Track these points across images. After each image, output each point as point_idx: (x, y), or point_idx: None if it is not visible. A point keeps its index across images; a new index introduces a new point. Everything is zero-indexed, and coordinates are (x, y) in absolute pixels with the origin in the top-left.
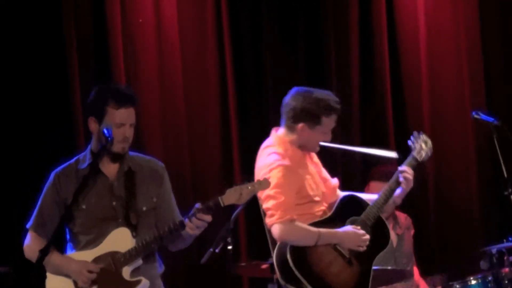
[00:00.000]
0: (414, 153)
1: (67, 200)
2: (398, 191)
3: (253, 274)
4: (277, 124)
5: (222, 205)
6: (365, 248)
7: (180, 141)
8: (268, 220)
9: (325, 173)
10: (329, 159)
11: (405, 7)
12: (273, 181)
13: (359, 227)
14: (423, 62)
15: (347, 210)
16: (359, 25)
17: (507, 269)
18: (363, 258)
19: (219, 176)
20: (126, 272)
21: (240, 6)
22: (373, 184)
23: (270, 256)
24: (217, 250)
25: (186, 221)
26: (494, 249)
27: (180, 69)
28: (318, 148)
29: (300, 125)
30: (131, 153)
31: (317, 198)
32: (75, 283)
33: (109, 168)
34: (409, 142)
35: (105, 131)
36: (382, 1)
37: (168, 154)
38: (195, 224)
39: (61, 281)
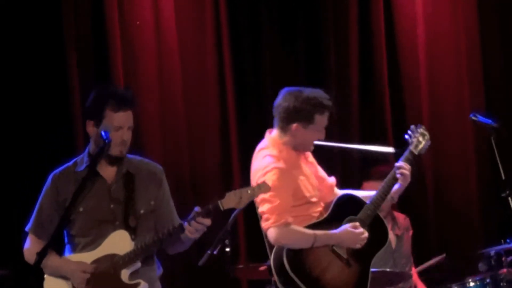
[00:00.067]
0: (411, 147)
1: (65, 202)
2: (395, 187)
3: (252, 276)
4: None
5: (221, 209)
6: (362, 245)
7: (179, 142)
8: (263, 224)
9: (321, 172)
10: (327, 158)
11: (404, 8)
12: (268, 184)
13: (357, 223)
14: (422, 63)
15: (344, 210)
16: (358, 26)
17: (505, 270)
18: (362, 258)
19: (218, 178)
20: (124, 274)
21: (239, 6)
22: (369, 184)
23: (268, 258)
24: (215, 252)
25: (186, 224)
26: (492, 251)
27: (179, 70)
28: (312, 148)
29: (294, 125)
30: (130, 156)
31: (313, 199)
32: (73, 284)
33: (107, 171)
34: (406, 136)
35: (103, 133)
36: (381, 2)
37: (167, 155)
38: (195, 228)
39: (58, 282)
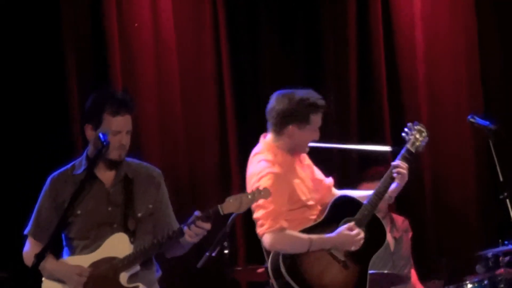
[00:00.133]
0: (408, 145)
1: (64, 205)
2: (393, 186)
3: (250, 278)
4: None
5: (221, 213)
6: (359, 247)
7: (177, 144)
8: (258, 230)
9: (318, 173)
10: (325, 159)
11: (402, 9)
12: (258, 201)
13: (353, 223)
14: (420, 64)
15: (340, 211)
16: (356, 26)
17: (502, 270)
18: (360, 259)
19: (217, 180)
20: (123, 278)
21: (237, 7)
22: (366, 186)
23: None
24: (213, 254)
25: (185, 228)
26: (490, 253)
27: (177, 71)
28: (308, 149)
29: (290, 127)
30: (128, 159)
31: (310, 203)
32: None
33: (106, 175)
34: (403, 134)
35: (101, 136)
36: (379, 3)
37: (165, 157)
38: (194, 232)
39: (56, 285)
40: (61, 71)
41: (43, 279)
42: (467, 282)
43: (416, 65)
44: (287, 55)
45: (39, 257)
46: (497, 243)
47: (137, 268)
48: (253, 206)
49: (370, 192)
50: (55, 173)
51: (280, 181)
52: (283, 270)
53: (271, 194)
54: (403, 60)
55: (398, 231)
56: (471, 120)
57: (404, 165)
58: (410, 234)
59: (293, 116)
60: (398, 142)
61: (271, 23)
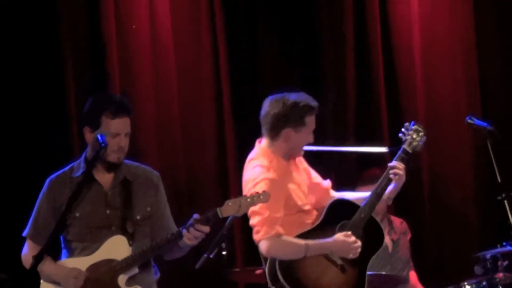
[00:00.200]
0: (405, 146)
1: (62, 207)
2: (390, 187)
3: (248, 279)
4: None
5: (220, 216)
6: (356, 255)
7: (175, 146)
8: (254, 236)
9: (315, 177)
10: (323, 161)
11: (400, 10)
12: (256, 204)
13: (349, 233)
14: (418, 65)
15: (337, 215)
16: (354, 26)
17: (501, 274)
18: (357, 262)
19: (215, 182)
20: (122, 280)
21: (234, 9)
22: (363, 189)
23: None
24: (212, 256)
25: (184, 231)
26: (488, 255)
27: (175, 73)
28: (302, 152)
29: (285, 130)
30: (126, 162)
31: (306, 207)
32: None
33: (104, 177)
34: (400, 134)
35: (99, 137)
36: (376, 4)
37: (163, 160)
38: (193, 235)
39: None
40: (58, 72)
41: (41, 281)
42: (466, 283)
43: (414, 65)
44: (285, 56)
45: (37, 259)
46: (495, 245)
47: (135, 270)
48: (249, 212)
49: (367, 194)
50: (54, 175)
51: (276, 187)
52: (279, 275)
53: (270, 197)
54: (401, 61)
55: (396, 233)
56: (469, 121)
57: (401, 166)
58: (408, 236)
59: (289, 119)
60: (396, 143)
61: (269, 24)
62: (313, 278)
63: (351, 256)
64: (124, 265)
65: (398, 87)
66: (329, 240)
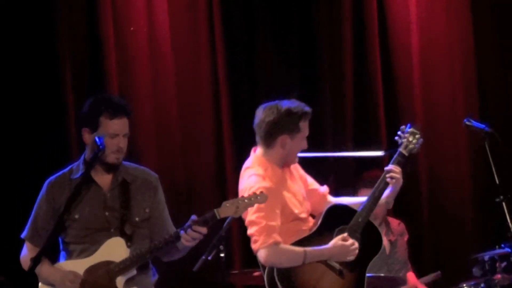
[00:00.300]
0: (401, 149)
1: (61, 209)
2: (387, 191)
3: (246, 281)
4: None
5: (218, 217)
6: (354, 257)
7: (173, 148)
8: (253, 246)
9: (312, 183)
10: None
11: (398, 12)
12: (254, 205)
13: (346, 235)
14: (416, 67)
15: (334, 220)
16: (352, 29)
17: (499, 276)
18: (356, 267)
19: (213, 183)
20: (120, 282)
21: (233, 10)
22: (364, 191)
23: None
24: (209, 258)
25: (182, 233)
26: (486, 256)
27: (173, 75)
28: (297, 159)
29: (281, 137)
30: (125, 163)
31: (302, 215)
32: None
33: (103, 178)
34: (396, 138)
35: (97, 139)
36: (374, 6)
37: (161, 161)
38: (191, 236)
39: None
40: (57, 73)
41: (39, 284)
42: (464, 285)
43: (412, 67)
44: (283, 57)
45: (35, 261)
46: (494, 246)
47: (133, 272)
48: (246, 222)
49: (364, 199)
50: (53, 177)
51: (272, 195)
52: (278, 282)
53: (266, 203)
54: (399, 62)
55: (393, 235)
56: (467, 123)
57: (397, 169)
58: (406, 237)
59: (283, 126)
60: (394, 145)
61: (267, 25)
62: (312, 284)
63: (349, 259)
64: (122, 267)
65: (396, 88)
66: (327, 246)
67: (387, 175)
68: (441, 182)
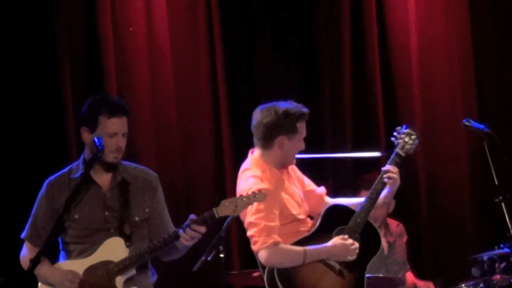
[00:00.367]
0: (397, 149)
1: (60, 210)
2: (385, 191)
3: (245, 282)
4: None
5: (216, 216)
6: (355, 257)
7: (172, 148)
8: (253, 247)
9: (309, 184)
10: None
11: (396, 13)
12: (252, 207)
13: (346, 236)
14: (414, 68)
15: (333, 221)
16: (351, 30)
17: (498, 276)
18: (355, 267)
19: (212, 184)
20: (119, 282)
21: (231, 12)
22: (365, 193)
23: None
24: (209, 258)
25: (181, 232)
26: (485, 257)
27: (171, 77)
28: (295, 161)
29: (279, 138)
30: (125, 163)
31: (301, 216)
32: None
33: (102, 178)
34: (392, 139)
35: (96, 140)
36: (373, 7)
37: (160, 162)
38: (190, 235)
39: None
40: (56, 74)
41: (39, 284)
42: (463, 285)
43: (411, 68)
44: (281, 60)
45: (34, 262)
46: (493, 246)
47: (132, 272)
48: (246, 224)
49: (362, 199)
50: (52, 177)
51: (270, 197)
52: (278, 282)
53: (266, 197)
54: (397, 63)
55: (392, 236)
56: (466, 123)
57: (394, 169)
58: (405, 238)
59: (281, 127)
60: (392, 146)
61: (266, 26)
62: (312, 284)
63: (349, 258)
64: (121, 266)
65: (395, 88)
66: (327, 245)
67: (385, 176)
68: (440, 182)
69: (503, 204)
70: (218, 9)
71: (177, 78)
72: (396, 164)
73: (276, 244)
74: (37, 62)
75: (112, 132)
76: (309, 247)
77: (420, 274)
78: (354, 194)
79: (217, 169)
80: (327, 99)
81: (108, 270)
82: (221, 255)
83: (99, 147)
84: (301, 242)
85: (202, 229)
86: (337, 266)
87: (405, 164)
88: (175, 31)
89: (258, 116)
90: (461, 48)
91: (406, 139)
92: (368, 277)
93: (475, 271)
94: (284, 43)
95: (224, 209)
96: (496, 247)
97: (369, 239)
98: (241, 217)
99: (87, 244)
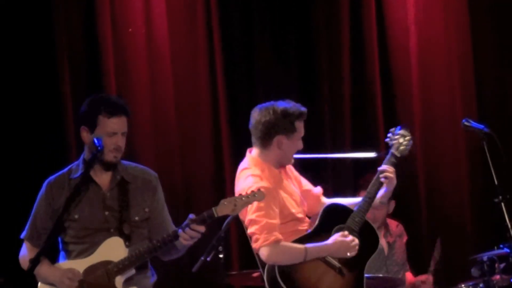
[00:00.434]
0: (393, 150)
1: (60, 210)
2: (382, 191)
3: (245, 282)
4: None
5: (216, 215)
6: (354, 253)
7: (171, 149)
8: (254, 245)
9: (306, 184)
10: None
11: (396, 14)
12: (253, 205)
13: (346, 233)
14: (414, 69)
15: (331, 219)
16: (350, 31)
17: (498, 277)
18: (354, 265)
19: (211, 184)
20: (119, 282)
21: (230, 13)
22: (363, 193)
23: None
24: (208, 259)
25: (180, 231)
26: (485, 257)
27: (171, 77)
28: (293, 160)
29: (277, 137)
30: (124, 163)
31: (299, 215)
32: None
33: (102, 178)
34: (386, 140)
35: (95, 141)
36: (373, 8)
37: (159, 162)
38: (189, 235)
39: None
40: (55, 75)
41: (38, 284)
42: (463, 285)
43: (410, 68)
44: (280, 61)
45: (34, 262)
46: (492, 247)
47: (132, 272)
48: (246, 222)
49: (359, 199)
50: (52, 177)
51: (270, 195)
52: (280, 280)
53: (265, 196)
54: (397, 64)
55: (392, 236)
56: (466, 123)
57: (391, 169)
58: (404, 239)
59: (280, 126)
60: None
61: (265, 26)
62: (313, 282)
63: (349, 254)
64: (121, 266)
65: (394, 89)
66: (327, 242)
67: (381, 175)
68: (439, 182)
69: (502, 204)
70: (217, 9)
71: (177, 78)
72: (392, 164)
73: (277, 241)
74: (37, 62)
75: (112, 131)
76: (310, 245)
77: (420, 275)
78: (354, 194)
79: (216, 169)
80: (326, 99)
81: (107, 270)
82: (221, 256)
83: (99, 147)
84: (300, 241)
85: (201, 228)
86: (337, 265)
87: (405, 164)
88: (175, 31)
89: (257, 115)
90: (460, 48)
91: (401, 140)
92: (368, 277)
93: (475, 271)
94: (283, 43)
95: (223, 208)
96: (495, 247)
97: (367, 238)
98: (241, 216)
99: (87, 244)
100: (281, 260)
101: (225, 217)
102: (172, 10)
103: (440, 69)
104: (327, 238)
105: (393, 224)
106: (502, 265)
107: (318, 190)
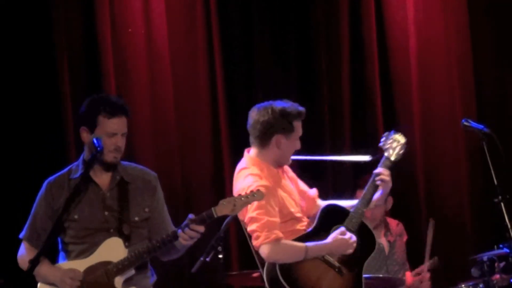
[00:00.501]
0: (387, 154)
1: (59, 210)
2: (377, 194)
3: (244, 283)
4: None
5: (215, 215)
6: (351, 251)
7: (171, 150)
8: (254, 242)
9: (302, 185)
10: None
11: (395, 15)
12: (253, 203)
13: (344, 229)
14: (413, 69)
15: (329, 220)
16: (349, 32)
17: (497, 276)
18: (353, 265)
19: (211, 184)
20: (118, 282)
21: (230, 11)
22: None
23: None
24: (208, 259)
25: (179, 232)
26: (485, 257)
27: (170, 78)
28: (291, 161)
29: (275, 137)
30: (124, 163)
31: (298, 215)
32: None
33: (102, 178)
34: (380, 144)
35: (95, 141)
36: (372, 9)
37: (159, 163)
38: (189, 235)
39: None
40: (55, 75)
41: (38, 284)
42: (462, 285)
43: (409, 68)
44: (279, 62)
45: (34, 263)
46: (492, 247)
47: (131, 272)
48: (247, 220)
49: (355, 201)
50: (52, 178)
51: (270, 193)
52: (281, 279)
53: (264, 196)
54: (396, 64)
55: (392, 235)
56: (465, 123)
57: (386, 172)
58: (404, 238)
59: (278, 125)
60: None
61: (264, 26)
62: (313, 281)
63: (349, 252)
64: (120, 267)
65: (393, 89)
66: (327, 241)
67: (377, 178)
68: (439, 182)
69: (502, 204)
70: (217, 9)
71: (176, 78)
72: (387, 167)
73: (278, 239)
74: (36, 62)
75: (112, 132)
76: (310, 243)
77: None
78: (353, 194)
79: (216, 170)
80: (326, 99)
81: (107, 270)
82: (220, 256)
83: (98, 148)
84: (300, 240)
85: (201, 228)
86: (336, 264)
87: (404, 164)
88: (174, 31)
89: (255, 115)
90: (459, 49)
91: (394, 144)
92: (368, 277)
93: (474, 271)
94: (282, 43)
95: (222, 208)
96: (495, 247)
97: (365, 239)
98: (240, 216)
99: (87, 245)
100: (282, 258)
101: (225, 217)
102: (171, 10)
103: (439, 69)
104: (326, 237)
105: (393, 223)
106: (502, 265)
107: (314, 192)
